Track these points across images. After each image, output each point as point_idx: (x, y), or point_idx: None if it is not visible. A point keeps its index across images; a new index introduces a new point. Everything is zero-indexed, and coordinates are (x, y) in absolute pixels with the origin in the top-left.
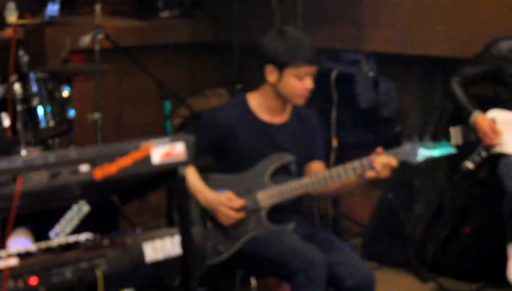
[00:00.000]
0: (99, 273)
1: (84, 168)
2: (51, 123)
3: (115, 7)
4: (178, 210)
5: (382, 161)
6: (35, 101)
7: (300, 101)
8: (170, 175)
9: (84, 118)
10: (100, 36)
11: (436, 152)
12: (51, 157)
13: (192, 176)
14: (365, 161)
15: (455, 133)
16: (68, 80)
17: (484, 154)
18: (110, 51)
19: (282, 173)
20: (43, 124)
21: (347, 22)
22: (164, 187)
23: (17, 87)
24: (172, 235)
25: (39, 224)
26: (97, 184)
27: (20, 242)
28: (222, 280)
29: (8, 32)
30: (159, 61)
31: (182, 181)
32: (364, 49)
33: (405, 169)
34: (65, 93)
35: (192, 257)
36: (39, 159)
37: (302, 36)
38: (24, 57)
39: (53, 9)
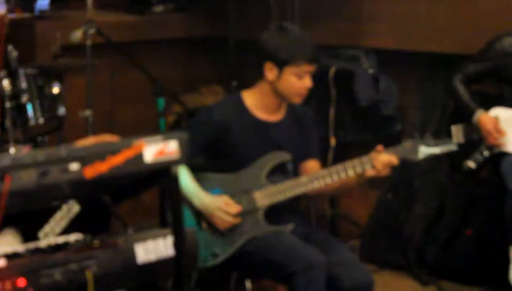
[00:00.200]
0: (89, 275)
1: (74, 166)
2: (41, 120)
3: (107, 1)
4: (171, 210)
5: (382, 160)
6: (24, 97)
7: (298, 100)
8: (163, 174)
9: (75, 115)
10: (91, 31)
11: (437, 149)
12: (40, 155)
13: (186, 178)
14: (365, 159)
15: (457, 131)
16: (58, 76)
17: (486, 153)
18: (102, 47)
19: (279, 172)
20: (32, 122)
21: (346, 17)
22: (157, 187)
23: (5, 83)
24: (164, 235)
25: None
26: (88, 183)
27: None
28: (216, 282)
29: None
30: (153, 57)
31: (175, 180)
32: (364, 45)
33: (405, 168)
34: (56, 89)
35: (185, 259)
36: (28, 157)
37: (302, 34)
38: (13, 53)
39: (43, 3)
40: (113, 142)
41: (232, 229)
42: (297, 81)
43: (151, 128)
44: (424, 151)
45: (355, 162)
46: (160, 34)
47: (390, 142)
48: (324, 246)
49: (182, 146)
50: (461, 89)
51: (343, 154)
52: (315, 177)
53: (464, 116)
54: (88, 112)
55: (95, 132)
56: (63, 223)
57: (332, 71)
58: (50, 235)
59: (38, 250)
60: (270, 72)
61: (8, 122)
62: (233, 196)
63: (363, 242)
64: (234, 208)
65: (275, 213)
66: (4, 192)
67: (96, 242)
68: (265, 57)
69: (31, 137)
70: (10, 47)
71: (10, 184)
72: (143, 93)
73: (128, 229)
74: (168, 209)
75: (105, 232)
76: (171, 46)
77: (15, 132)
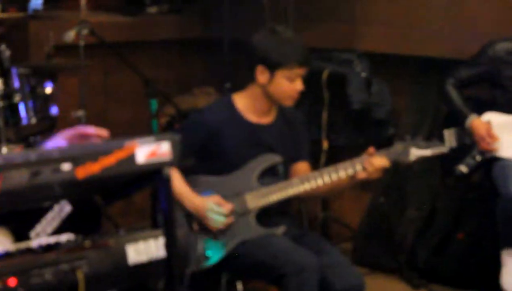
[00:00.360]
0: (80, 275)
1: (66, 166)
2: (33, 120)
3: (100, 1)
4: (162, 211)
5: (373, 162)
6: (17, 97)
7: (289, 103)
8: (155, 175)
9: (68, 115)
10: (85, 31)
11: (428, 151)
12: (32, 155)
13: (177, 181)
14: (356, 161)
15: (449, 136)
16: (51, 76)
17: (478, 157)
18: (95, 47)
19: (270, 174)
20: (25, 121)
21: (340, 20)
22: (149, 188)
23: None
24: (156, 237)
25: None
26: (80, 184)
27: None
28: (208, 283)
29: None
30: (146, 58)
31: (167, 181)
32: (357, 48)
33: (397, 171)
34: (48, 89)
35: (176, 260)
36: (19, 157)
37: (294, 37)
38: (6, 52)
39: (37, 2)
40: (105, 142)
41: (224, 231)
42: (289, 84)
43: (144, 129)
44: (416, 153)
45: (347, 164)
46: (154, 35)
47: (383, 145)
48: (316, 249)
49: (174, 147)
50: (454, 94)
51: (336, 157)
52: (306, 179)
53: (456, 120)
54: (80, 113)
55: None
56: (55, 223)
57: (325, 74)
58: (41, 235)
59: (29, 250)
60: (262, 75)
61: (0, 122)
62: (225, 198)
63: (355, 245)
64: (226, 206)
65: (266, 215)
66: None
67: (88, 243)
68: (257, 60)
69: (23, 137)
70: (3, 47)
71: (1, 184)
72: (136, 94)
73: (120, 229)
74: (160, 210)
75: (96, 233)
76: (164, 47)
77: (7, 132)
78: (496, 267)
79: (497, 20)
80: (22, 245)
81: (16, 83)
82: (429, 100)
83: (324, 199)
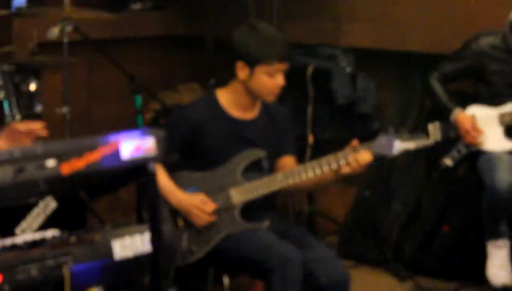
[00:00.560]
0: (66, 271)
1: (50, 163)
2: (18, 117)
3: None
4: (148, 206)
5: (357, 158)
6: (0, 94)
7: (270, 98)
8: (140, 170)
9: (52, 112)
10: (69, 28)
11: (412, 144)
12: (17, 151)
13: (162, 176)
14: (340, 155)
15: (434, 129)
16: (35, 74)
17: (463, 150)
18: (79, 44)
19: (254, 169)
20: (9, 119)
21: (324, 16)
22: (135, 183)
23: None
24: (141, 232)
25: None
26: (65, 180)
27: None
28: (194, 278)
29: None
30: (130, 54)
31: (152, 177)
32: (341, 44)
33: (382, 165)
34: (33, 86)
35: (162, 255)
36: (4, 154)
37: (274, 32)
38: None
39: (20, 0)
40: (89, 138)
41: (209, 226)
42: (269, 80)
43: (129, 125)
44: (399, 146)
45: (330, 158)
46: (138, 32)
47: (368, 140)
48: (301, 243)
49: (159, 142)
50: (438, 88)
51: (321, 152)
52: (290, 174)
53: (441, 114)
54: (65, 110)
55: (73, 129)
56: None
57: (309, 69)
58: (27, 231)
59: (14, 246)
60: (242, 71)
61: None
62: (209, 193)
63: (341, 239)
64: (210, 206)
65: (251, 209)
66: None
67: (73, 238)
68: (236, 56)
69: None
70: None
71: None
72: (121, 90)
73: (105, 225)
74: (145, 205)
75: (81, 228)
76: (148, 44)
77: None
78: (481, 259)
79: (480, 15)
80: (8, 241)
81: (0, 81)
82: (414, 95)
83: (310, 193)
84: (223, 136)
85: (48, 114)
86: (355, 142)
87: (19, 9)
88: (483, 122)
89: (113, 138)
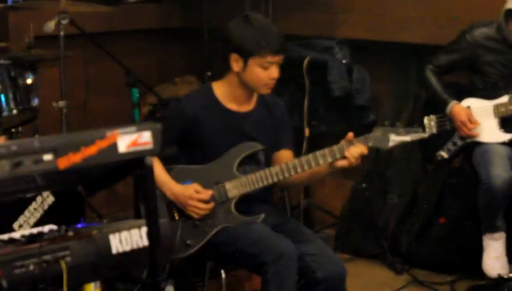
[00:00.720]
0: (63, 265)
1: (47, 157)
2: (15, 111)
3: None
4: (145, 200)
5: (352, 151)
6: None
7: (265, 90)
8: (137, 164)
9: (49, 106)
10: (65, 21)
11: (408, 137)
12: (13, 146)
13: (157, 168)
14: (335, 148)
15: (429, 122)
16: (32, 67)
17: (459, 142)
18: (76, 37)
19: (251, 162)
20: (6, 113)
21: (320, 8)
22: (132, 178)
23: None
24: (139, 226)
25: (2, 215)
26: (62, 174)
27: None
28: (191, 272)
29: None
30: (127, 47)
31: (149, 170)
32: (337, 35)
33: (378, 158)
34: (29, 80)
35: (159, 249)
36: (1, 148)
37: (268, 24)
38: None
39: None
40: (86, 132)
41: (205, 219)
42: (263, 72)
43: (126, 119)
44: (395, 139)
45: (326, 151)
46: (134, 25)
47: (364, 132)
48: (297, 236)
49: (155, 136)
50: (434, 80)
51: (317, 144)
52: (286, 167)
53: (437, 106)
54: (62, 103)
55: (69, 123)
56: (38, 214)
57: (305, 62)
58: (24, 226)
59: (12, 241)
60: (236, 63)
61: None
62: (205, 187)
63: (338, 232)
64: (205, 193)
65: (247, 203)
66: None
67: (71, 233)
68: (230, 49)
69: (5, 129)
70: None
71: None
72: (117, 84)
73: (103, 219)
74: (142, 199)
75: (79, 223)
76: (145, 37)
77: None
78: (477, 252)
79: (475, 6)
80: (5, 236)
81: None
82: (410, 87)
83: (306, 186)
84: (219, 129)
85: (45, 108)
86: (350, 135)
87: (15, 3)
88: (478, 114)
89: (109, 132)
